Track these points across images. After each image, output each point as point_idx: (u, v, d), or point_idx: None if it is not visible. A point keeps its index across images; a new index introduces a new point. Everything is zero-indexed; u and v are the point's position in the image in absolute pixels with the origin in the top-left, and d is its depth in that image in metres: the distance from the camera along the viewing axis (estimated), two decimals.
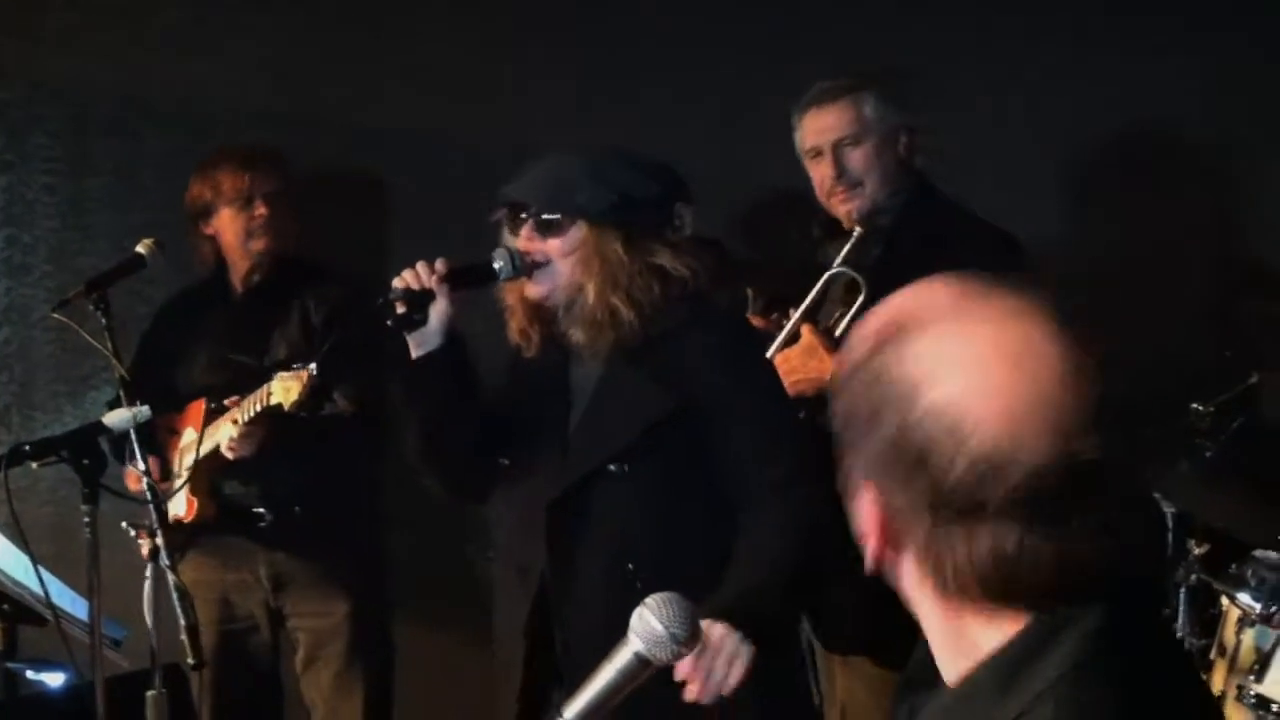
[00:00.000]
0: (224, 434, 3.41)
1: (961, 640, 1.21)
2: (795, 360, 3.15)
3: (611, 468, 2.49)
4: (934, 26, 3.99)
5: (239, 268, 3.81)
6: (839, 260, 3.20)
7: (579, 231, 2.50)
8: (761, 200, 4.04)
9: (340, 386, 3.64)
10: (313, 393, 3.09)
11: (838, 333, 3.17)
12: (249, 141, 3.88)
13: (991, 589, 1.17)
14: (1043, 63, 3.93)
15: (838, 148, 3.25)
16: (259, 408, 3.26)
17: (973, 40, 3.99)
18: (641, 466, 2.49)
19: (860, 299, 3.11)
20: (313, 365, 3.03)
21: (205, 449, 3.49)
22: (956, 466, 1.14)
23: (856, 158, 3.25)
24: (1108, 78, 3.88)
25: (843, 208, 3.28)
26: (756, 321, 3.29)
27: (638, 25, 4.19)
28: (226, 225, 3.75)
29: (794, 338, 3.23)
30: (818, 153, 3.29)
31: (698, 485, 2.50)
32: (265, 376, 3.27)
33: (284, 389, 3.12)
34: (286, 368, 3.22)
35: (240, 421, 3.34)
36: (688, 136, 3.89)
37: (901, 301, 1.23)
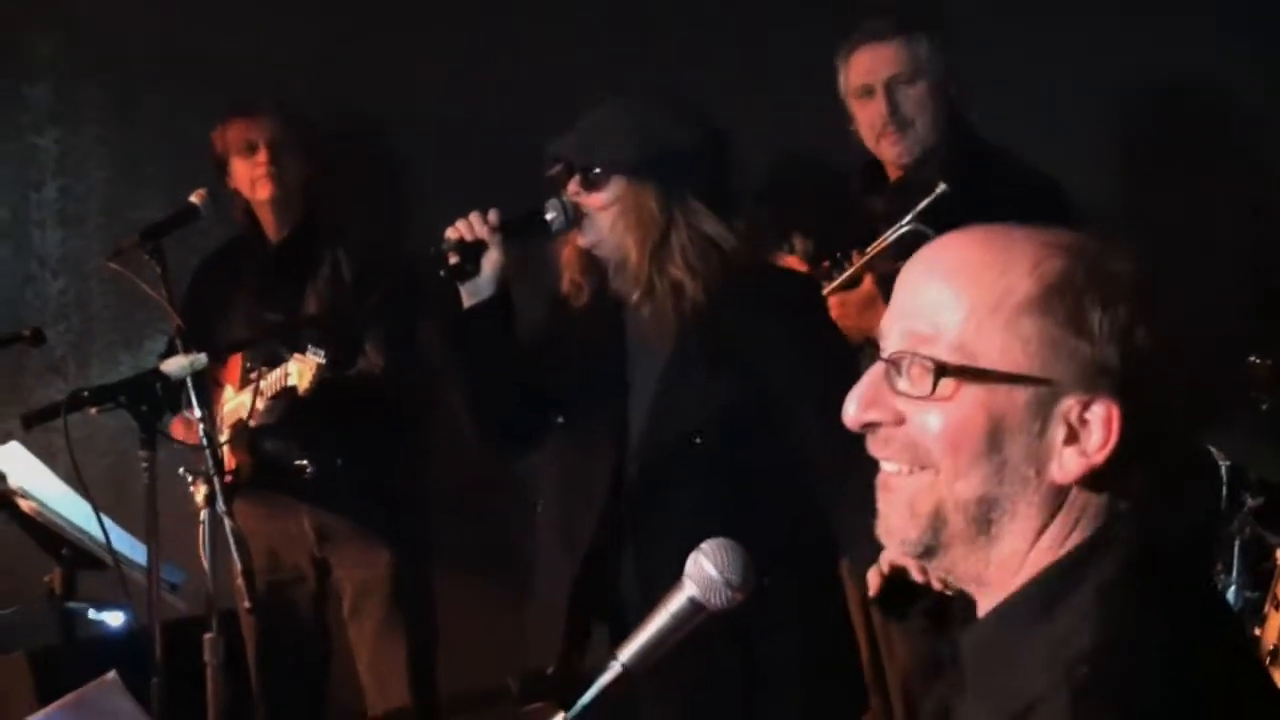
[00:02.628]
0: (247, 403, 3.45)
1: (1043, 556, 1.24)
2: (851, 307, 3.10)
3: (688, 442, 2.46)
4: None
5: (266, 220, 3.83)
6: (912, 215, 3.09)
7: (617, 186, 2.49)
8: (795, 155, 3.99)
9: (371, 340, 3.67)
10: (337, 359, 3.13)
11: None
12: (276, 93, 3.89)
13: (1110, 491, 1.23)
14: (1085, 21, 3.87)
15: (891, 85, 3.17)
16: (280, 387, 3.31)
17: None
18: (713, 444, 2.46)
19: None
20: (322, 353, 3.11)
21: (231, 416, 3.56)
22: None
23: (910, 97, 3.17)
24: (1150, 39, 3.81)
25: (892, 149, 3.20)
26: (797, 264, 3.23)
27: None
28: (239, 175, 3.78)
29: (853, 282, 3.17)
30: (868, 91, 3.20)
31: (769, 463, 2.47)
32: (293, 334, 3.31)
33: (299, 373, 3.20)
34: (316, 324, 3.26)
35: (265, 396, 3.39)
36: (716, 96, 3.85)
37: (1026, 234, 1.27)
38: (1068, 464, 1.22)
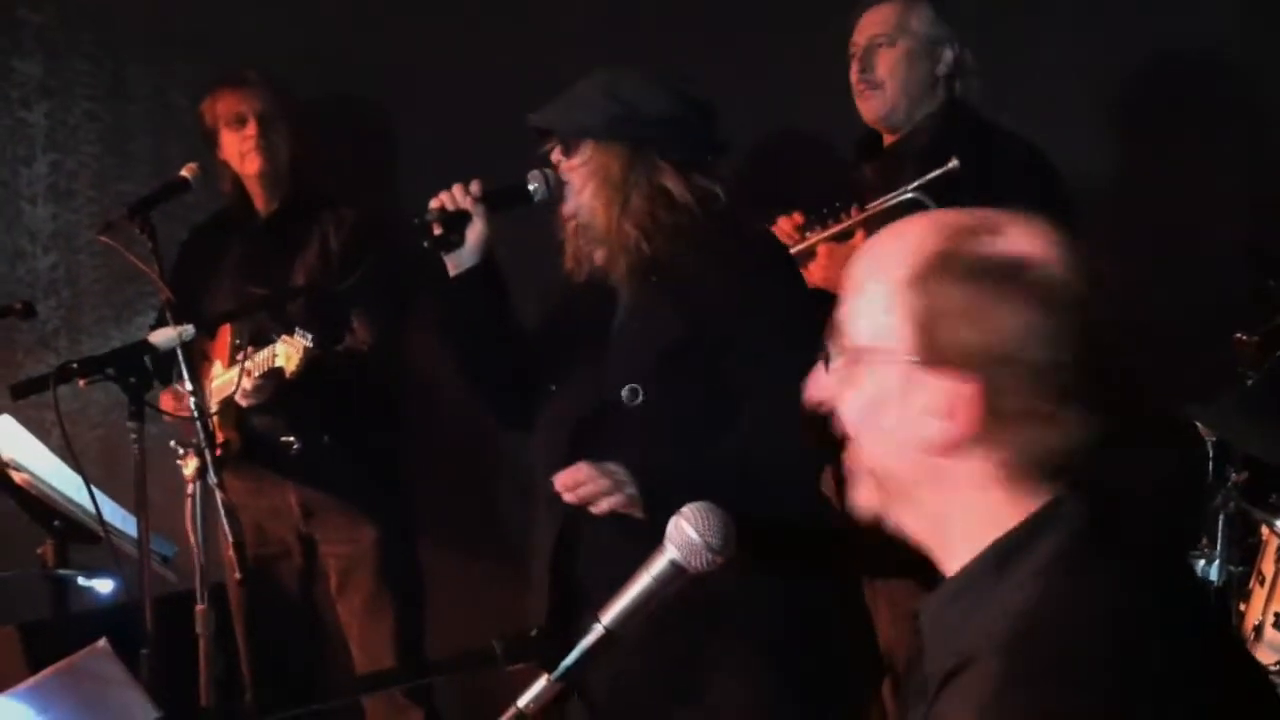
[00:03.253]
0: (236, 381, 3.45)
1: (987, 530, 1.30)
2: (839, 259, 3.15)
3: (625, 394, 2.48)
4: None
5: (255, 193, 3.83)
6: (918, 184, 3.16)
7: (587, 149, 2.52)
8: (791, 133, 4.01)
9: (358, 315, 3.68)
10: (323, 337, 3.14)
11: None
12: (265, 64, 3.89)
13: (1054, 466, 1.28)
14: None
15: (870, 46, 3.29)
16: (267, 367, 3.32)
17: None
18: (661, 393, 2.48)
19: None
20: (310, 336, 3.12)
21: (219, 393, 3.56)
22: (1060, 344, 1.24)
23: (884, 59, 3.27)
24: (1142, 5, 3.82)
25: (862, 105, 3.31)
26: (785, 227, 3.29)
27: None
28: (228, 148, 3.79)
29: (846, 235, 3.24)
30: (852, 51, 3.32)
31: (718, 413, 2.48)
32: (279, 307, 3.30)
33: (286, 355, 3.21)
34: (305, 295, 3.25)
35: (252, 375, 3.39)
36: (713, 65, 3.85)
37: (929, 218, 1.34)
38: (934, 438, 1.30)
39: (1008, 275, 1.26)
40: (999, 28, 3.83)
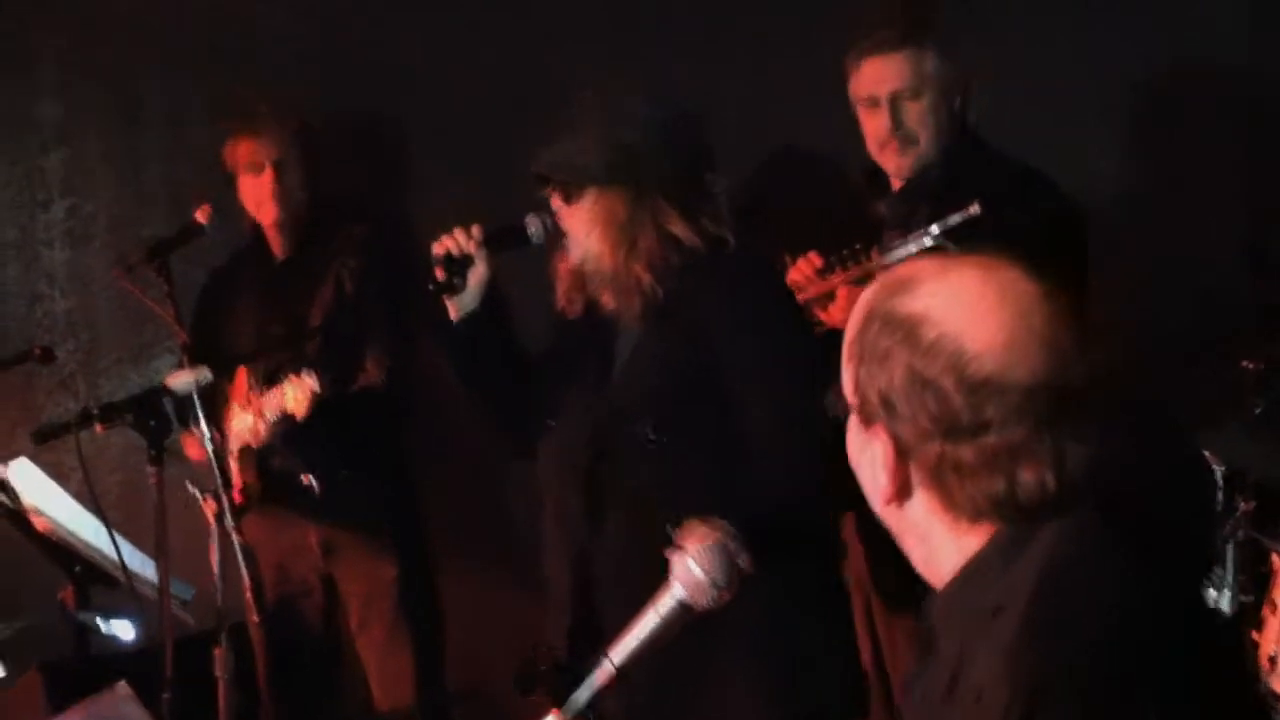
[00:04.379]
0: (250, 424, 3.50)
1: (957, 558, 1.36)
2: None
3: (643, 428, 2.52)
4: None
5: (273, 235, 3.88)
6: (941, 230, 3.06)
7: (590, 195, 2.56)
8: (797, 156, 3.99)
9: (372, 351, 3.71)
10: (337, 376, 3.16)
11: None
12: (273, 93, 3.92)
13: (994, 502, 1.32)
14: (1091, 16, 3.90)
15: (896, 100, 3.19)
16: (278, 410, 3.36)
17: None
18: (673, 427, 2.52)
19: None
20: (315, 377, 3.19)
21: (237, 437, 3.59)
22: (961, 391, 1.30)
23: (915, 112, 3.18)
24: (1141, 12, 3.82)
25: (894, 162, 3.23)
26: (804, 270, 3.28)
27: None
28: (245, 193, 3.83)
29: (867, 278, 3.14)
30: (875, 103, 3.21)
31: (730, 445, 2.52)
32: (295, 348, 3.33)
33: (293, 397, 3.26)
34: (322, 335, 3.28)
35: (264, 418, 3.43)
36: (718, 76, 3.85)
37: (897, 270, 1.41)
38: (884, 482, 1.36)
39: (905, 331, 1.33)
40: (999, 38, 3.81)
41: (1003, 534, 1.34)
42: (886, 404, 1.34)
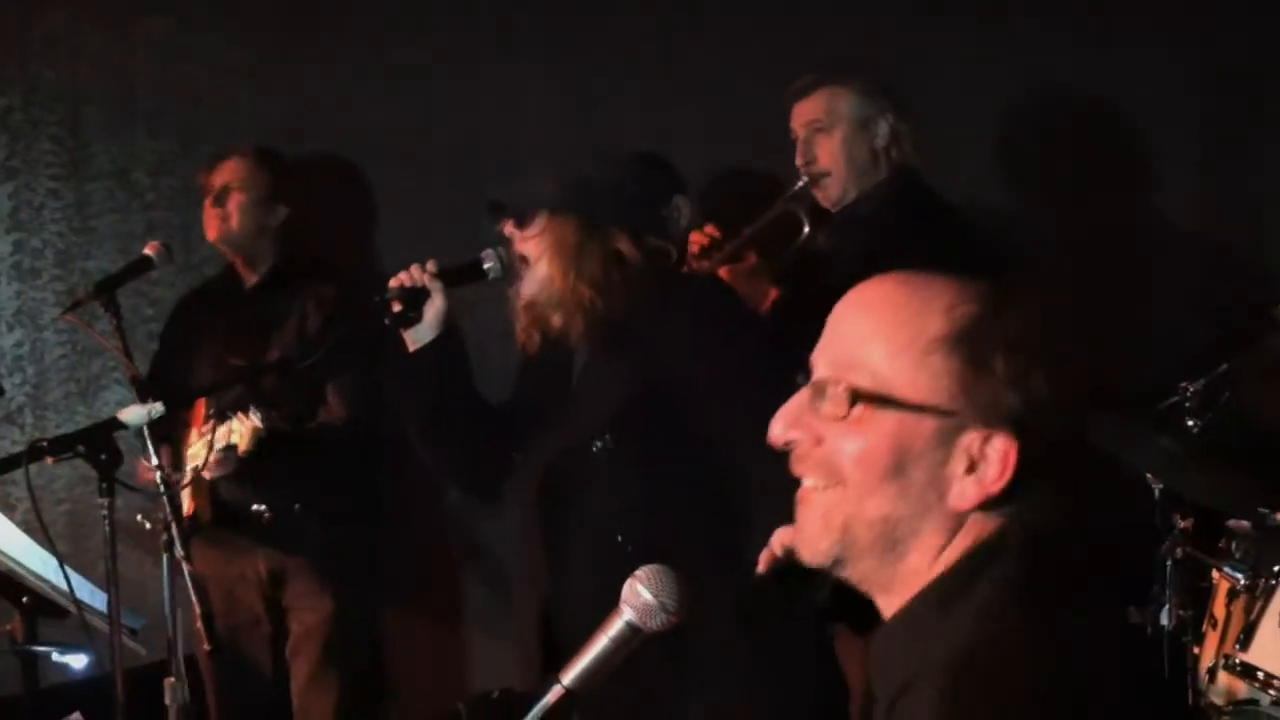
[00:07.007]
0: (202, 454, 3.49)
1: (925, 571, 1.35)
2: (739, 277, 3.38)
3: (594, 445, 2.58)
4: (917, 9, 4.06)
5: (241, 266, 3.89)
6: (782, 200, 3.44)
7: (542, 222, 2.62)
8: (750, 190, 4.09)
9: (335, 386, 3.72)
10: (296, 412, 3.18)
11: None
12: (236, 141, 3.97)
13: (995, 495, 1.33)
14: (1024, 44, 4.00)
15: (809, 136, 3.40)
16: (224, 444, 3.37)
17: (955, 24, 4.05)
18: (622, 443, 2.58)
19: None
20: (259, 416, 3.21)
21: (190, 461, 3.58)
22: (1048, 409, 1.32)
23: (825, 146, 3.39)
24: (1089, 58, 3.94)
25: (816, 192, 3.44)
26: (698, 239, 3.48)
27: (628, 18, 4.24)
28: (206, 220, 3.87)
29: (738, 256, 3.44)
30: (797, 139, 3.43)
31: (679, 459, 2.58)
32: (253, 380, 3.35)
33: (239, 433, 3.29)
34: (277, 370, 3.29)
35: (214, 450, 3.43)
36: (678, 128, 3.96)
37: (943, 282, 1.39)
38: (967, 492, 1.34)
39: (1033, 343, 1.34)
40: (947, 87, 3.93)
41: (949, 578, 1.34)
42: (1015, 410, 1.32)
